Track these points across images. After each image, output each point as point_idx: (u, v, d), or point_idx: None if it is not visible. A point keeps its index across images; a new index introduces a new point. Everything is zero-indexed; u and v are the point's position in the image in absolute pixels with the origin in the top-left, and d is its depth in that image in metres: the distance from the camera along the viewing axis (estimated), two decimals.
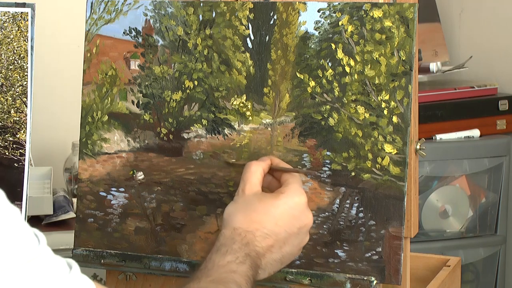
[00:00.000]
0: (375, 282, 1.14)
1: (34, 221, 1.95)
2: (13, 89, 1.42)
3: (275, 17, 1.21)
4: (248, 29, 1.23)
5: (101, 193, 1.29)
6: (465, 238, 2.46)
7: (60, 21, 2.35)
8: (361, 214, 1.16)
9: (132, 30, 1.29)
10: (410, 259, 1.25)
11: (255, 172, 1.12)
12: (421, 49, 2.59)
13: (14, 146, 1.42)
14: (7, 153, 1.41)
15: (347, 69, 1.17)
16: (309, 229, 1.11)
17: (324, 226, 1.18)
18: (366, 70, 1.16)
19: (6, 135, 1.42)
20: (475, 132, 2.45)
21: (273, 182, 1.14)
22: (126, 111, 1.29)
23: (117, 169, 1.29)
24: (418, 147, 1.24)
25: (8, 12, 1.42)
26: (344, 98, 1.17)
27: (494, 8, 2.71)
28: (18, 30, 1.42)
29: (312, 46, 1.19)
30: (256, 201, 1.09)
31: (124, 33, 1.29)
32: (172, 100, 1.26)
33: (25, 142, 1.42)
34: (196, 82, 1.25)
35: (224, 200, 1.22)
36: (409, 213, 1.22)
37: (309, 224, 1.11)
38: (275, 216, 1.08)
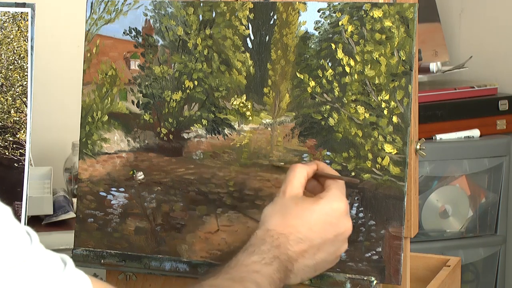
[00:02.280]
0: (375, 282, 1.14)
1: (34, 221, 1.95)
2: (13, 89, 1.42)
3: (275, 17, 1.21)
4: (248, 29, 1.23)
5: (101, 193, 1.29)
6: (465, 238, 2.46)
7: (60, 21, 2.35)
8: (361, 214, 1.16)
9: (132, 30, 1.29)
10: (410, 259, 1.25)
11: (299, 175, 1.09)
12: (421, 49, 2.59)
13: (14, 146, 1.42)
14: (7, 153, 1.41)
15: (347, 69, 1.17)
16: (347, 237, 1.09)
17: None
18: (366, 70, 1.16)
19: (6, 135, 1.42)
20: (475, 132, 2.45)
21: (317, 187, 1.12)
22: (126, 111, 1.29)
23: (117, 169, 1.29)
24: (418, 147, 1.24)
25: (8, 12, 1.42)
26: (344, 98, 1.17)
27: (494, 8, 2.71)
28: (18, 30, 1.42)
29: (312, 46, 1.19)
30: (293, 205, 1.07)
31: (124, 33, 1.29)
32: (172, 100, 1.26)
33: (25, 142, 1.42)
34: (196, 82, 1.25)
35: (224, 200, 1.22)
36: (409, 213, 1.22)
37: (347, 232, 1.09)
38: (310, 221, 1.06)
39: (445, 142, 2.42)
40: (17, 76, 1.42)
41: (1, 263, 0.77)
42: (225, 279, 0.98)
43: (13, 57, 1.42)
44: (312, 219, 1.06)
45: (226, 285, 0.97)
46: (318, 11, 1.19)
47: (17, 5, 1.43)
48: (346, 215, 1.09)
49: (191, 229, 1.24)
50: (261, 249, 1.03)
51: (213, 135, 1.24)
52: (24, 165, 1.41)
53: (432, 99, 2.45)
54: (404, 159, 1.14)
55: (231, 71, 1.23)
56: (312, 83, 1.19)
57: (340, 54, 1.17)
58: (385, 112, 1.15)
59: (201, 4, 1.25)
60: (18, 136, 1.42)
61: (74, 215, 1.65)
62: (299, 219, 1.06)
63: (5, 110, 1.42)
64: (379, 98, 1.15)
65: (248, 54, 1.23)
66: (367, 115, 1.16)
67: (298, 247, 1.05)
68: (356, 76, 1.17)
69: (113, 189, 1.29)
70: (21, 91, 1.42)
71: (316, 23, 1.19)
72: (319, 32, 1.19)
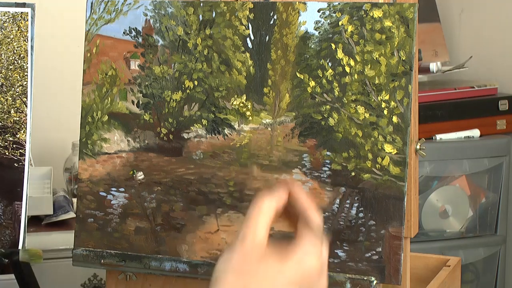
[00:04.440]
0: (375, 282, 1.14)
1: (34, 221, 1.95)
2: (13, 89, 1.42)
3: (275, 17, 1.21)
4: (248, 29, 1.23)
5: (101, 193, 1.29)
6: (465, 238, 2.46)
7: (60, 21, 2.35)
8: (361, 214, 1.16)
9: (132, 30, 1.29)
10: (410, 259, 1.25)
11: (266, 213, 0.82)
12: (421, 49, 2.59)
13: (14, 146, 1.42)
14: (7, 153, 1.41)
15: (347, 69, 1.17)
16: None
17: (324, 226, 1.17)
18: (366, 70, 1.16)
19: (6, 135, 1.42)
20: (475, 132, 2.45)
21: (292, 214, 0.86)
22: (126, 111, 1.29)
23: (117, 169, 1.29)
24: (418, 147, 1.24)
25: (8, 12, 1.42)
26: (344, 98, 1.17)
27: (494, 8, 2.71)
28: (18, 30, 1.42)
29: (312, 46, 1.19)
30: (254, 260, 0.81)
31: (124, 33, 1.29)
32: (172, 100, 1.26)
33: (25, 142, 1.42)
34: (196, 82, 1.25)
35: (224, 200, 1.22)
36: (409, 213, 1.22)
37: None
38: (274, 286, 0.80)
39: (445, 142, 2.42)
40: (17, 76, 1.42)
41: None
42: None
43: (13, 57, 1.42)
44: (278, 284, 0.80)
45: None
46: (318, 11, 1.19)
47: (17, 5, 1.43)
48: (321, 274, 0.84)
49: (191, 229, 1.24)
50: None
51: (213, 135, 1.24)
52: (24, 165, 1.41)
53: (432, 99, 2.45)
54: (404, 159, 1.14)
55: (231, 71, 1.23)
56: (312, 83, 1.19)
57: (340, 54, 1.17)
58: (385, 112, 1.15)
59: (201, 4, 1.25)
60: (18, 136, 1.42)
61: (74, 215, 1.65)
62: (261, 282, 0.80)
63: (5, 110, 1.42)
64: (379, 98, 1.15)
65: (248, 54, 1.23)
66: (367, 115, 1.16)
67: None
68: (356, 76, 1.17)
69: (113, 189, 1.29)
70: (21, 91, 1.42)
71: (316, 23, 1.19)
72: (319, 32, 1.19)
